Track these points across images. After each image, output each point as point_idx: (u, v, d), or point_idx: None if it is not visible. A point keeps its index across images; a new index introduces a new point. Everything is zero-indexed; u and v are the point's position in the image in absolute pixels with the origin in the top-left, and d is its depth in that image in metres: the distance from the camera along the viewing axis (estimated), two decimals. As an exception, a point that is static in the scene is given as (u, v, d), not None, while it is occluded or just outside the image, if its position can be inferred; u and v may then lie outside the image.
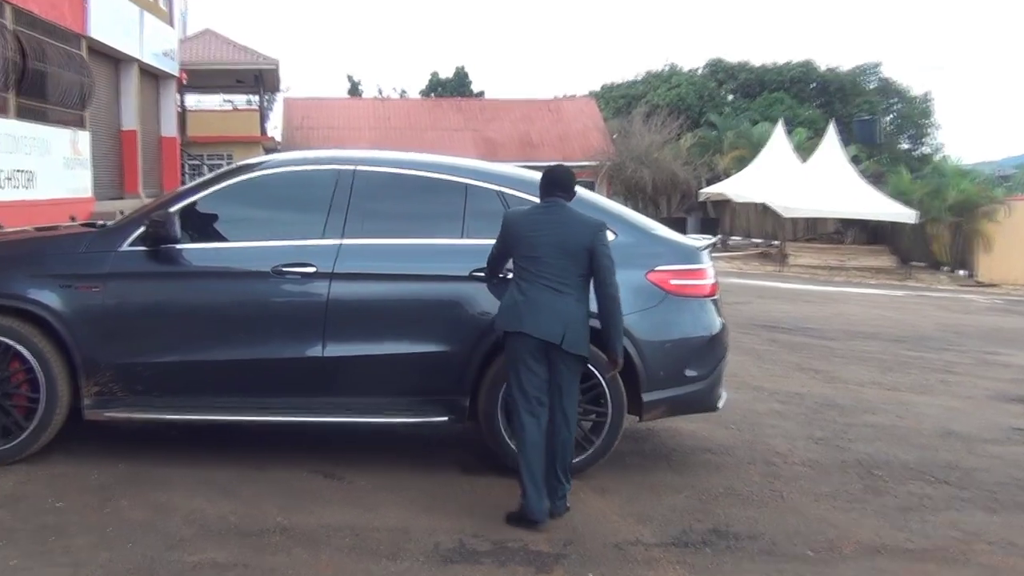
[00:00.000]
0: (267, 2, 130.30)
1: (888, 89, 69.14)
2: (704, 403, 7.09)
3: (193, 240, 6.81)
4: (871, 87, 68.47)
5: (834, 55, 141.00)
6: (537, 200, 6.15)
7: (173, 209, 6.74)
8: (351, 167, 6.89)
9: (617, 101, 64.52)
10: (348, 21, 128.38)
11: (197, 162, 40.65)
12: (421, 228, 6.65)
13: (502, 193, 6.81)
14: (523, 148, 47.75)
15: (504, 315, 5.85)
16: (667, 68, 67.95)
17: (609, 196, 39.52)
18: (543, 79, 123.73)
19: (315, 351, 6.53)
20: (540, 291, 5.71)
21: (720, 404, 7.21)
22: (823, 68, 66.62)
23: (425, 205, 6.67)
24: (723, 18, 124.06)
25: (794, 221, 36.81)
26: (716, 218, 43.50)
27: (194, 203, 6.91)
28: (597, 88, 70.72)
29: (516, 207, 6.14)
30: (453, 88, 67.32)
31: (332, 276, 6.56)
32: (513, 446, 6.24)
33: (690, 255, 6.99)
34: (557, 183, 5.92)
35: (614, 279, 5.80)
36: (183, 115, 38.41)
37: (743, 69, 66.39)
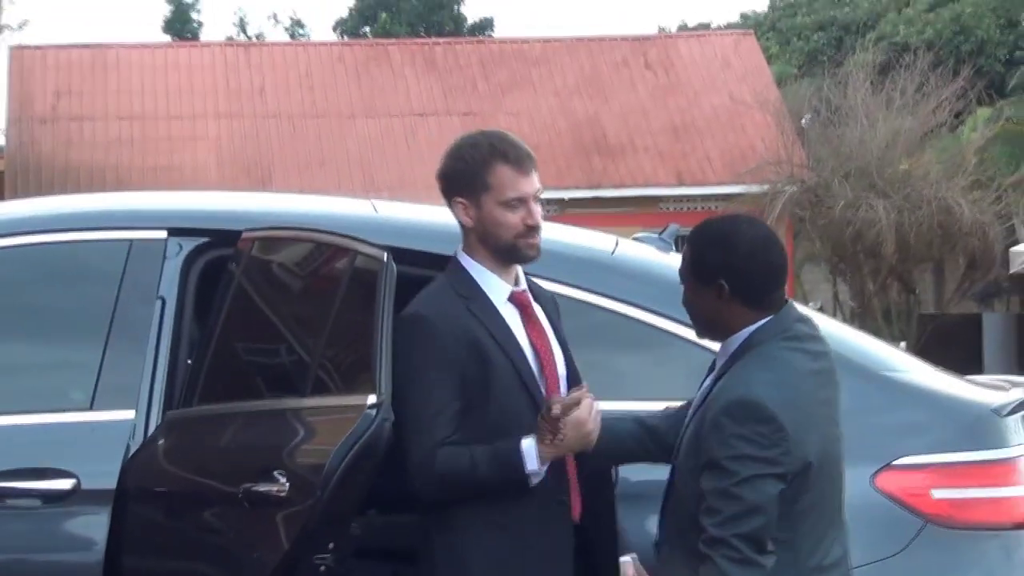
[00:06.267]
0: None
1: None
2: None
3: None
4: None
5: None
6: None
7: None
8: (160, 233, 5.47)
9: (809, 38, 51.04)
10: None
11: None
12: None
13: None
14: (582, 157, 36.94)
15: None
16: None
17: (792, 269, 34.58)
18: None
19: None
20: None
21: None
22: None
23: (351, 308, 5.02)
24: None
25: None
26: (1056, 316, 33.88)
27: None
28: (761, 7, 57.33)
29: (786, 365, 4.32)
30: (416, 15, 53.93)
31: (122, 498, 5.10)
32: None
33: (980, 427, 5.36)
34: (783, 265, 4.46)
35: None
36: None
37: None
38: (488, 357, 4.35)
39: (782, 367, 4.11)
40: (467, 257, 4.42)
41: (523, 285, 4.50)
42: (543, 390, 4.38)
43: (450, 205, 4.43)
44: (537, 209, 4.37)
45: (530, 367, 4.43)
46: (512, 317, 4.46)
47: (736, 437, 3.93)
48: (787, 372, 4.12)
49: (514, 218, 4.30)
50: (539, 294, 4.59)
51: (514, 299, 4.49)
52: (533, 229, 4.35)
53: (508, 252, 4.37)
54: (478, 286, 4.42)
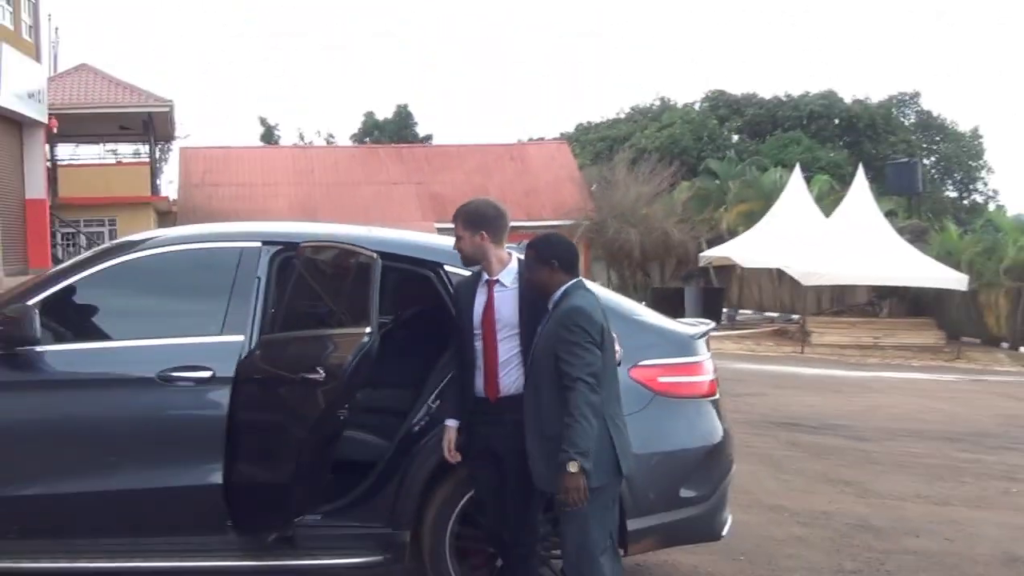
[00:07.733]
0: (157, 29, 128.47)
1: (929, 124, 69.68)
2: (705, 530, 7.04)
3: (59, 339, 6.78)
4: (908, 122, 69.13)
5: (862, 84, 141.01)
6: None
7: (33, 302, 6.63)
8: (257, 243, 6.93)
9: (596, 145, 65.10)
10: (258, 50, 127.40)
11: (72, 230, 40.37)
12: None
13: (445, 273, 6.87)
14: (476, 209, 47.48)
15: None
16: (657, 103, 69.15)
17: (587, 265, 43.57)
18: (504, 119, 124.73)
19: (215, 478, 6.45)
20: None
21: (725, 531, 7.14)
22: (849, 100, 67.20)
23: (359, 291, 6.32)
24: (724, 42, 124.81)
25: (817, 291, 36.84)
26: (721, 288, 42.56)
27: (60, 293, 6.83)
28: (571, 129, 71.18)
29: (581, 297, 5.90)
30: (393, 132, 67.82)
31: (237, 382, 6.52)
32: None
33: (682, 345, 7.04)
34: (578, 253, 6.08)
35: None
36: (54, 171, 38.76)
37: (750, 103, 67.08)
38: (457, 313, 6.08)
39: (588, 297, 5.80)
40: None
41: (497, 276, 5.99)
42: (477, 336, 5.98)
43: None
44: (454, 244, 6.18)
45: (471, 322, 5.96)
46: (484, 293, 6.00)
47: (574, 325, 5.55)
48: (591, 299, 5.81)
49: None
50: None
51: (485, 283, 5.96)
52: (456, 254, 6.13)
53: None
54: (484, 273, 6.03)
